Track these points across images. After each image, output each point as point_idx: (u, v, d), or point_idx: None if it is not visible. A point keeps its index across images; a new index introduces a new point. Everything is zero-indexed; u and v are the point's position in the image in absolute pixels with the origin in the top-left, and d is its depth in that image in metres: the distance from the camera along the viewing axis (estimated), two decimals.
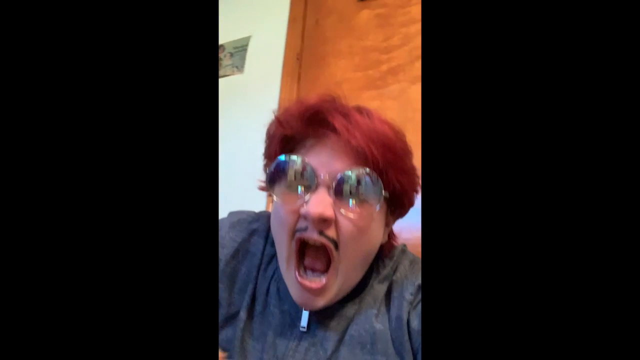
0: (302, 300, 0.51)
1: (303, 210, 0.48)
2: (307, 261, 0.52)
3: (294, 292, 0.51)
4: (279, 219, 0.52)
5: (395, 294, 0.54)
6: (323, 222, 0.48)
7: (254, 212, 0.66)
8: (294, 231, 0.51)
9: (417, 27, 1.36)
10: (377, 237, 0.55)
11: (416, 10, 1.39)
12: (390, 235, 0.61)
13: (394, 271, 0.57)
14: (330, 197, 0.49)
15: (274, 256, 0.60)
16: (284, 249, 0.52)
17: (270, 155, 0.55)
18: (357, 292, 0.56)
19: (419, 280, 0.54)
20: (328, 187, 0.49)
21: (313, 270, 0.51)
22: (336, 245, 0.49)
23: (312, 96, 0.53)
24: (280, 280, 0.57)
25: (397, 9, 1.43)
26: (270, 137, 0.55)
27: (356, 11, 1.53)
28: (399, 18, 1.41)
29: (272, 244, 0.60)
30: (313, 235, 0.49)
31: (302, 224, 0.50)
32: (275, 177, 0.52)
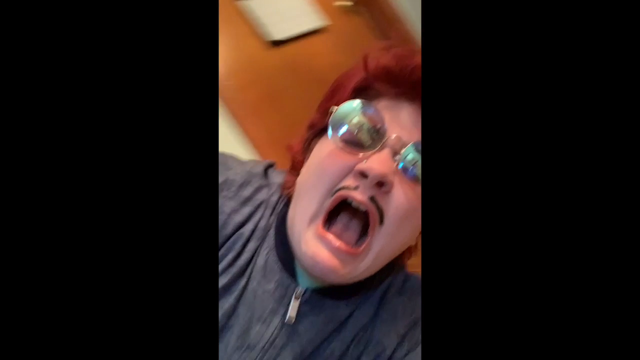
0: (321, 261, 0.42)
1: (362, 165, 0.42)
2: (334, 229, 0.44)
3: (312, 250, 0.43)
4: (320, 170, 0.45)
5: (385, 316, 0.48)
6: (381, 186, 0.41)
7: (244, 168, 0.52)
8: (334, 188, 0.43)
9: None
10: (417, 230, 0.47)
11: None
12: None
13: (388, 286, 0.51)
14: (394, 163, 0.42)
15: (268, 231, 0.50)
16: (313, 205, 0.44)
17: (335, 100, 0.46)
18: (353, 291, 0.49)
19: (416, 313, 0.48)
20: (394, 152, 0.42)
21: None
22: (382, 218, 0.42)
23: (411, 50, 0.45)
24: (271, 251, 0.48)
25: None
26: (341, 83, 0.48)
27: None
28: None
29: (271, 212, 0.51)
30: (362, 197, 0.41)
31: (350, 181, 0.43)
32: (335, 124, 0.44)
